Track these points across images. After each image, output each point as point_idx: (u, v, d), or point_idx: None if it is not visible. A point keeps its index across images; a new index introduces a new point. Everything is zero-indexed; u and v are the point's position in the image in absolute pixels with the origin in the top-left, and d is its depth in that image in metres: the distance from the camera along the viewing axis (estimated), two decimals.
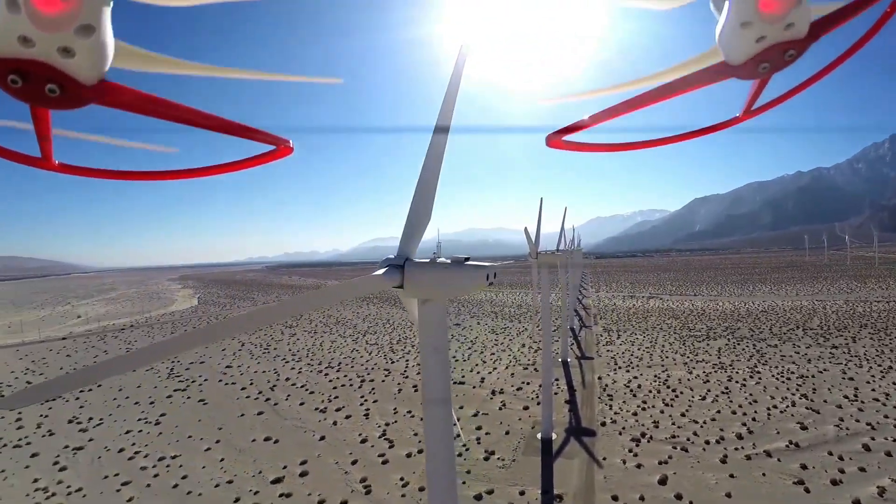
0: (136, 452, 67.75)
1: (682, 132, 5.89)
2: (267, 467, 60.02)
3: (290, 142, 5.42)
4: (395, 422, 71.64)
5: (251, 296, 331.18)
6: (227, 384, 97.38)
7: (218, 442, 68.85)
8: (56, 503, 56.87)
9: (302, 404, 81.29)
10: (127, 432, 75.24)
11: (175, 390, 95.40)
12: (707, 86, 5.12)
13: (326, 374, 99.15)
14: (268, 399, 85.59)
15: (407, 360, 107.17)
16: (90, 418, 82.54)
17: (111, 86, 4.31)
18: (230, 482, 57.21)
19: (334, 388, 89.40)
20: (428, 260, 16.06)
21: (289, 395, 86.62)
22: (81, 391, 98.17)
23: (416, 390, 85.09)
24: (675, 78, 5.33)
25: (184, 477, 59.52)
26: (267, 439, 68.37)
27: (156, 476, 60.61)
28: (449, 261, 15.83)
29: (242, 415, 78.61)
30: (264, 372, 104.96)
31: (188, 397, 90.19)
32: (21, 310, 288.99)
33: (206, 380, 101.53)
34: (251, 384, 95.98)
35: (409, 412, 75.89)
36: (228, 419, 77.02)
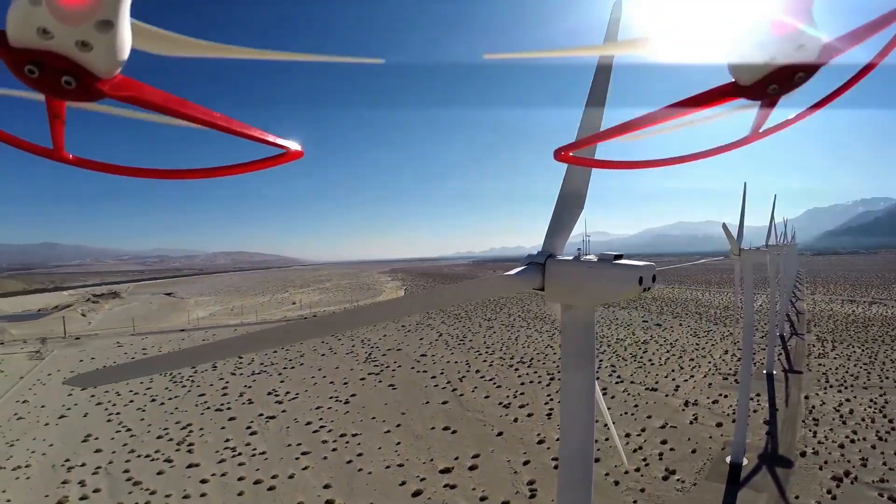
0: (322, 427, 70.03)
1: (688, 153, 5.81)
2: (439, 456, 58.48)
3: (301, 146, 5.22)
4: None
5: None
6: (418, 372, 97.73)
7: (399, 426, 68.73)
8: (239, 461, 60.36)
9: (487, 397, 78.86)
10: (317, 408, 78.36)
11: (369, 374, 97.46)
12: (716, 105, 5.01)
13: (516, 370, 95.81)
14: (454, 389, 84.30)
15: (600, 360, 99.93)
16: (287, 392, 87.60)
17: (127, 81, 4.32)
18: (401, 465, 56.77)
19: (522, 384, 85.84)
20: (571, 258, 12.89)
21: (475, 388, 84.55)
22: (285, 368, 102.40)
23: (604, 392, 78.50)
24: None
25: (359, 454, 60.35)
26: (445, 429, 66.82)
27: (334, 450, 62.10)
28: (595, 258, 12.48)
29: (427, 402, 78.11)
30: (456, 363, 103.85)
31: (380, 381, 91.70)
32: (245, 296, 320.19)
33: (399, 366, 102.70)
34: (441, 374, 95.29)
35: (596, 420, 69.69)
36: (413, 405, 76.88)
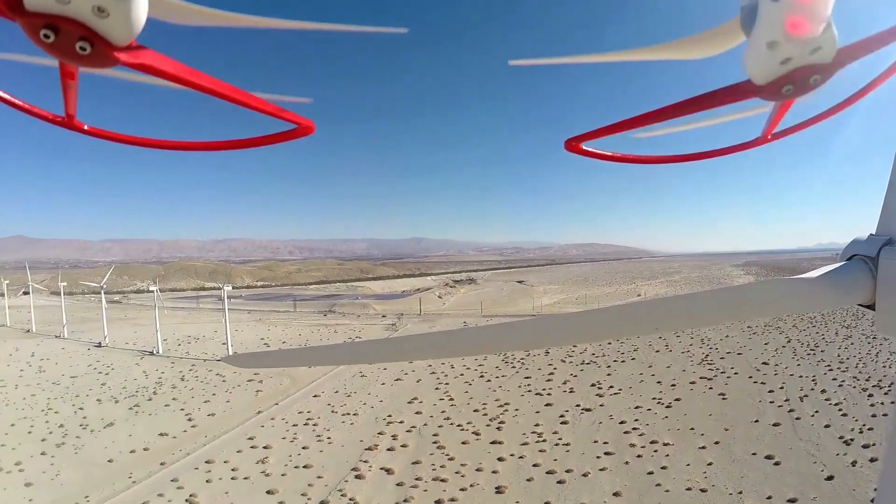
0: (634, 429, 66.97)
1: (701, 151, 6.01)
2: (750, 490, 51.14)
3: (313, 122, 5.23)
4: None
5: None
6: (755, 382, 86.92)
7: (716, 443, 61.81)
8: (540, 448, 61.02)
9: (827, 427, 66.38)
10: (636, 407, 75.18)
11: (701, 378, 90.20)
12: (731, 103, 4.91)
13: (870, 396, 77.80)
14: (791, 410, 72.86)
15: None
16: (611, 387, 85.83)
17: (141, 49, 4.34)
18: (703, 491, 51.09)
19: (873, 416, 69.31)
20: None
21: (816, 412, 71.93)
22: (615, 361, 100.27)
23: None
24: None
25: (663, 467, 55.96)
26: (768, 458, 57.71)
27: (638, 456, 58.79)
28: None
29: (756, 421, 69.03)
30: (801, 377, 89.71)
31: (710, 388, 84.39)
32: (591, 286, 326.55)
33: (735, 373, 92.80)
34: (781, 388, 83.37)
35: None
36: (739, 422, 68.74)
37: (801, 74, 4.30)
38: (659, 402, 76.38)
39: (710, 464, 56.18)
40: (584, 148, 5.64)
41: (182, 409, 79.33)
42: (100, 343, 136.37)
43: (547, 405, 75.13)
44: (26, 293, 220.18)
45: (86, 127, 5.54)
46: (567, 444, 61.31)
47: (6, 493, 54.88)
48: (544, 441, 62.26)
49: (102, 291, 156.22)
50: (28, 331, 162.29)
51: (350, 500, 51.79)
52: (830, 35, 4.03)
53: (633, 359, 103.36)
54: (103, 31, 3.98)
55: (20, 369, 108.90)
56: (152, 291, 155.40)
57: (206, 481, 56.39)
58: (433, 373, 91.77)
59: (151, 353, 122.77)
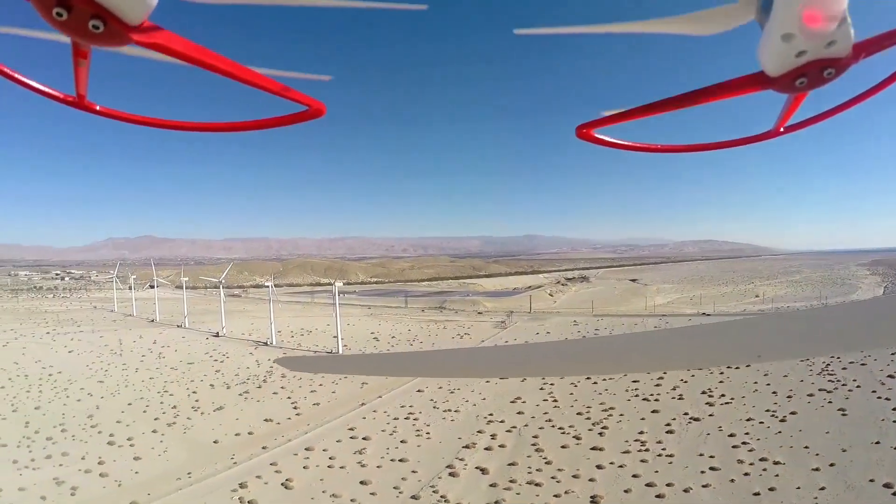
0: (744, 443, 63.49)
1: (712, 141, 6.19)
2: None
3: (324, 104, 5.38)
4: None
5: None
6: (879, 398, 79.36)
7: (832, 466, 57.46)
8: (642, 457, 59.54)
9: None
10: (748, 419, 71.41)
11: (820, 389, 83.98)
12: (744, 94, 5.02)
13: None
14: None
15: None
16: (722, 395, 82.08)
17: (154, 29, 4.43)
18: None
19: None
20: None
21: None
22: (728, 367, 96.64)
23: None
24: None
25: (771, 489, 52.49)
26: (887, 486, 52.90)
27: (745, 474, 55.39)
28: None
29: (877, 442, 63.84)
30: None
31: (829, 402, 78.53)
32: (706, 285, 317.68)
33: (858, 386, 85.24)
34: None
35: None
36: (858, 442, 63.70)
37: (815, 67, 4.43)
38: (773, 415, 72.26)
39: (822, 488, 52.78)
40: (595, 135, 5.73)
41: (289, 398, 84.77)
42: (217, 333, 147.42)
43: (653, 412, 73.30)
44: (152, 287, 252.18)
45: (98, 107, 5.71)
46: (671, 456, 59.47)
47: (115, 464, 61.24)
48: (647, 451, 60.79)
49: (221, 286, 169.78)
50: (152, 321, 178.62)
51: (441, 496, 53.18)
52: (846, 29, 4.16)
53: (748, 365, 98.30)
54: (116, 9, 4.11)
55: (142, 355, 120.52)
56: (268, 286, 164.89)
57: (304, 467, 60.17)
58: None
59: (265, 344, 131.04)
